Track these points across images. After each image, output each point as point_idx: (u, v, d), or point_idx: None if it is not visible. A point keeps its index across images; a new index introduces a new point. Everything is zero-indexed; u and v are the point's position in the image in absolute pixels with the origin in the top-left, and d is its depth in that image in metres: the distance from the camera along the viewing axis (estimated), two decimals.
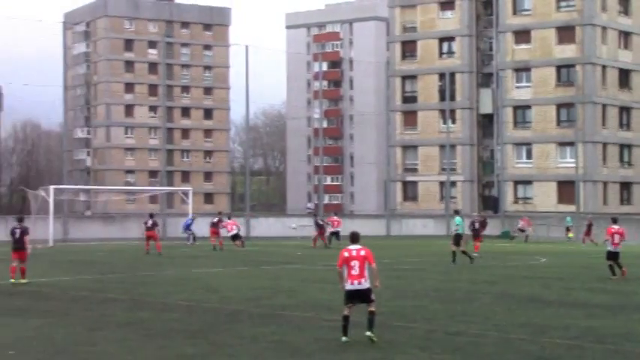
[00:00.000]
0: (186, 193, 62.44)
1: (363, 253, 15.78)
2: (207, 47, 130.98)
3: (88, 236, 50.69)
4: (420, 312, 20.19)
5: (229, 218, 49.97)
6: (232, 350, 14.99)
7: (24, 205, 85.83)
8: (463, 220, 37.96)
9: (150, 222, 41.68)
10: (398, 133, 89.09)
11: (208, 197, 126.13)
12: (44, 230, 48.37)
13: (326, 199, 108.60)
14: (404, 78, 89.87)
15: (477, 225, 41.20)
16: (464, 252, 35.92)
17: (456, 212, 39.78)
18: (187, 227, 53.06)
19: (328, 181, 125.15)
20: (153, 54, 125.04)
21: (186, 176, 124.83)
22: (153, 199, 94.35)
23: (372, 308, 15.68)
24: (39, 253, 43.06)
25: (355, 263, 15.66)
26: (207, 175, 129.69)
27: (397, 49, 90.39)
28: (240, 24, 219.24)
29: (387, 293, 24.28)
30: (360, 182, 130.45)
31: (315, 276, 30.08)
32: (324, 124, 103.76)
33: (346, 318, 15.70)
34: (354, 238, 16.29)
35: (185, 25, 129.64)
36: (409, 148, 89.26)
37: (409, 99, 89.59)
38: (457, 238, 36.26)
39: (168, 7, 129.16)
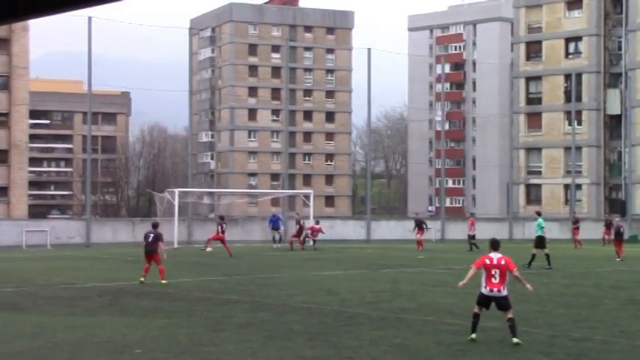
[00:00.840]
0: (307, 196, 62.84)
1: (503, 262, 16.16)
2: (329, 51, 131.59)
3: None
4: (543, 317, 19.80)
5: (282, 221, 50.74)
6: (352, 353, 14.97)
7: (150, 208, 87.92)
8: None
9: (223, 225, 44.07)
10: (521, 135, 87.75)
11: (329, 200, 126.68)
12: (169, 232, 49.37)
13: (447, 202, 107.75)
14: (528, 79, 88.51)
15: (622, 229, 41.26)
16: (547, 255, 35.25)
17: (538, 214, 39.35)
18: (277, 226, 52.62)
19: (450, 183, 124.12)
20: (276, 58, 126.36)
21: (307, 179, 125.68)
22: (274, 201, 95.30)
23: (511, 315, 15.97)
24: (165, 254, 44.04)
25: (496, 272, 16.04)
26: (329, 178, 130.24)
27: (522, 49, 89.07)
28: (362, 27, 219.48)
29: (510, 297, 23.95)
30: (481, 185, 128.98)
31: (435, 279, 29.84)
32: (446, 127, 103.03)
33: (476, 316, 16.20)
34: (495, 245, 16.64)
35: (308, 29, 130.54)
36: (533, 150, 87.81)
37: (533, 100, 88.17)
38: (540, 241, 35.82)
39: (292, 12, 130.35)
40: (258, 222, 60.45)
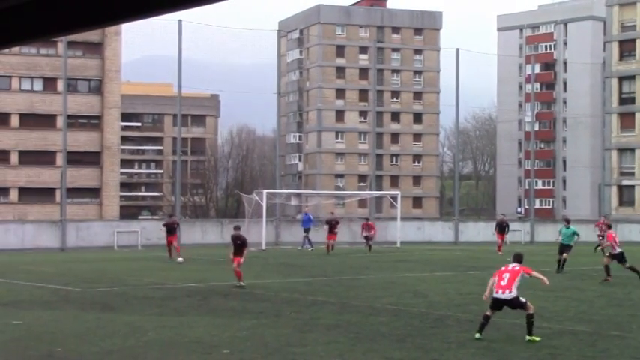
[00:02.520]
0: (394, 198, 62.67)
1: (517, 267, 17.39)
2: (417, 52, 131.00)
3: (298, 240, 51.67)
4: (636, 321, 19.39)
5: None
6: (439, 355, 14.88)
7: (238, 209, 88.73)
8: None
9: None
10: (614, 135, 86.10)
11: (417, 201, 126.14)
12: (257, 233, 49.73)
13: (537, 204, 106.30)
14: (621, 79, 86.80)
15: None
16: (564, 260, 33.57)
17: (567, 221, 36.11)
18: (307, 227, 50.34)
19: (539, 185, 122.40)
20: (364, 59, 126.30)
21: (395, 180, 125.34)
22: (362, 203, 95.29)
23: (530, 312, 16.79)
24: (252, 255, 44.42)
25: (506, 275, 17.14)
26: (416, 180, 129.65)
27: (614, 48, 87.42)
28: (451, 27, 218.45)
29: (601, 301, 23.51)
30: (572, 186, 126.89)
31: (524, 282, 29.35)
32: (536, 127, 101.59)
33: (487, 317, 17.02)
34: (517, 258, 18.00)
35: (396, 30, 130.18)
36: (625, 150, 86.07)
37: (626, 100, 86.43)
38: (563, 249, 33.81)
39: (380, 13, 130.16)
40: (344, 223, 60.54)
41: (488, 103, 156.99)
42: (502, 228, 48.44)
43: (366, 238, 47.57)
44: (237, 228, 28.67)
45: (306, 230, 50.05)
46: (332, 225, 46.82)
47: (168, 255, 39.23)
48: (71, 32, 3.88)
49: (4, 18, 4.70)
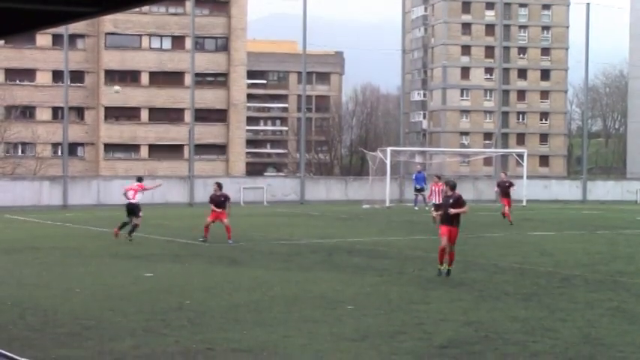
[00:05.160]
0: (520, 156, 61.71)
1: None
2: (545, 7, 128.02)
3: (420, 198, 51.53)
4: None
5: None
6: (565, 315, 14.67)
7: (362, 167, 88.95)
8: None
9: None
10: None
11: (543, 160, 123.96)
12: (381, 191, 49.76)
13: None
14: None
15: None
16: None
17: None
18: (422, 187, 47.04)
19: None
20: (490, 15, 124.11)
21: (521, 138, 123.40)
22: (487, 161, 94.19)
23: None
24: (377, 212, 44.50)
25: None
26: (543, 138, 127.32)
27: None
28: None
29: None
30: None
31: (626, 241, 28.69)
32: None
33: None
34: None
35: None
36: None
37: None
38: None
39: None
40: (469, 181, 60.00)
41: (619, 60, 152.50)
42: None
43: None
44: (220, 186, 27.59)
45: (420, 190, 47.42)
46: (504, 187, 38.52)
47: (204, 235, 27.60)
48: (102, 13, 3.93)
49: None
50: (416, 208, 46.90)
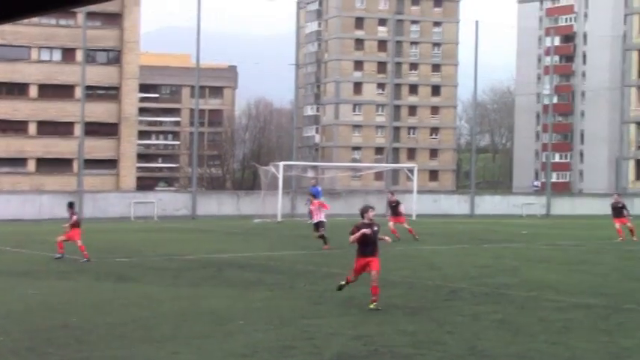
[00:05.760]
0: (411, 170, 62.61)
1: None
2: (436, 24, 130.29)
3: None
4: None
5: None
6: (453, 328, 14.89)
7: (255, 181, 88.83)
8: None
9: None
10: (632, 109, 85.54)
11: (433, 174, 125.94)
12: (273, 205, 49.84)
13: (553, 177, 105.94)
14: None
15: None
16: None
17: None
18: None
19: (556, 158, 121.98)
20: (382, 31, 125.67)
21: (411, 153, 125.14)
22: (378, 175, 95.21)
23: None
24: (269, 227, 44.50)
25: None
26: (433, 152, 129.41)
27: (635, 21, 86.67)
28: None
29: (616, 274, 23.48)
30: (589, 160, 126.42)
31: (539, 255, 29.42)
32: (554, 100, 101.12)
33: None
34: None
35: (415, 1, 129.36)
36: None
37: None
38: None
39: None
40: (361, 196, 60.52)
41: (506, 76, 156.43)
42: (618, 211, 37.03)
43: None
44: (72, 205, 27.36)
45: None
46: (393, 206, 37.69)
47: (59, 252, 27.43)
48: (90, 3, 3.86)
49: None
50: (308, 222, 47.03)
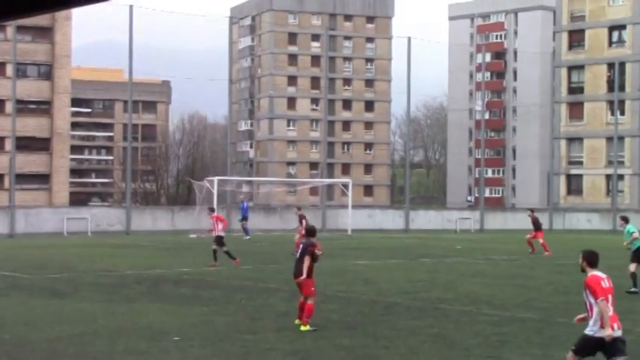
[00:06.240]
0: (346, 185, 62.83)
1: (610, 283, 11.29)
2: (369, 40, 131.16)
3: (249, 227, 51.65)
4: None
5: None
6: (388, 342, 14.97)
7: (189, 196, 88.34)
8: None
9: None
10: (563, 125, 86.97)
11: (368, 189, 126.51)
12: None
13: (487, 192, 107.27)
14: (570, 68, 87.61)
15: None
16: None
17: (625, 220, 26.43)
18: (245, 217, 49.28)
19: (489, 173, 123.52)
20: (316, 47, 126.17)
21: (346, 168, 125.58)
22: (313, 190, 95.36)
23: None
24: (203, 242, 44.25)
25: (610, 298, 11.15)
26: (368, 168, 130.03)
27: (564, 38, 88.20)
28: (402, 16, 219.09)
29: (549, 288, 23.83)
30: (522, 175, 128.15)
31: (474, 270, 29.72)
32: (486, 116, 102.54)
33: None
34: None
35: (348, 17, 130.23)
36: (574, 140, 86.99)
37: (575, 90, 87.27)
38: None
39: (332, 0, 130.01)
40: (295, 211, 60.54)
41: (439, 92, 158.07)
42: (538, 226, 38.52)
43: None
44: None
45: (244, 219, 49.29)
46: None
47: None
48: (21, 16, 3.83)
49: None
50: (248, 238, 47.04)
